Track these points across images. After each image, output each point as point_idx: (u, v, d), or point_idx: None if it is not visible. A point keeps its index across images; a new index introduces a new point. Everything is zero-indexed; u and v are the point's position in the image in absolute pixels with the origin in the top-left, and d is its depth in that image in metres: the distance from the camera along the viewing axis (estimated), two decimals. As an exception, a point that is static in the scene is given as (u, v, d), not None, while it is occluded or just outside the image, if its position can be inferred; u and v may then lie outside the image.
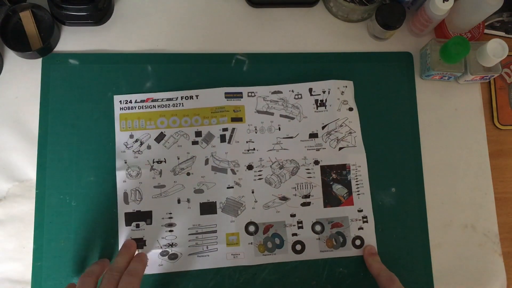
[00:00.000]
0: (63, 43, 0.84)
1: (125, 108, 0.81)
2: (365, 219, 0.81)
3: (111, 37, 0.85)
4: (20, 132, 0.80)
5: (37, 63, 0.82)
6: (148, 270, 0.77)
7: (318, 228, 0.80)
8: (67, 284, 0.69)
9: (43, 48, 0.81)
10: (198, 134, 0.81)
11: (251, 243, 0.78)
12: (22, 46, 0.81)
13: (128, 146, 0.80)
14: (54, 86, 0.82)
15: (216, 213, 0.79)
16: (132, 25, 0.85)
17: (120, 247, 0.76)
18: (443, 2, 0.77)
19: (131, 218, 0.78)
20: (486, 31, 0.88)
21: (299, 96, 0.83)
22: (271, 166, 0.81)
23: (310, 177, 0.81)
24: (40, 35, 0.82)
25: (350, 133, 0.83)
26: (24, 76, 0.82)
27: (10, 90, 0.82)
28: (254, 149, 0.81)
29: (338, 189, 0.81)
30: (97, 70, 0.83)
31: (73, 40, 0.84)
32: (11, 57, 0.83)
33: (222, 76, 0.84)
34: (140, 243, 0.77)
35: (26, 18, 0.82)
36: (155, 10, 0.86)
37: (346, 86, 0.84)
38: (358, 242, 0.80)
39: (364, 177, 0.82)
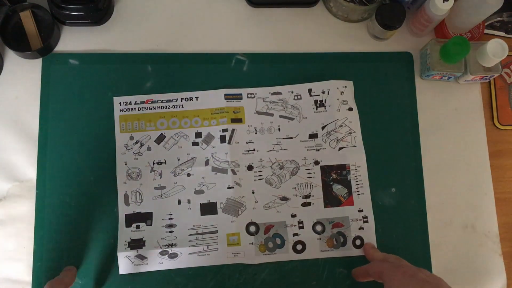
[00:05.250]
0: (63, 43, 0.84)
1: (124, 110, 0.81)
2: (365, 219, 0.81)
3: (111, 37, 0.85)
4: (20, 132, 0.80)
5: (37, 63, 0.82)
6: (148, 268, 0.77)
7: (319, 228, 0.80)
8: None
9: (43, 48, 0.81)
10: (198, 135, 0.81)
11: (252, 243, 0.78)
12: (22, 46, 0.81)
13: (128, 148, 0.80)
14: (54, 86, 0.82)
15: (216, 213, 0.79)
16: (132, 25, 0.85)
17: (118, 247, 0.77)
18: (443, 2, 0.77)
19: (131, 219, 0.78)
20: (486, 31, 0.88)
21: (299, 97, 0.83)
22: (271, 166, 0.81)
23: (310, 177, 0.81)
24: (40, 35, 0.82)
25: (350, 133, 0.83)
26: (24, 76, 0.82)
27: (10, 90, 0.82)
28: (254, 149, 0.81)
29: (338, 189, 0.81)
30: (97, 70, 0.83)
31: (73, 40, 0.84)
32: (11, 57, 0.83)
33: (222, 76, 0.84)
34: (140, 243, 0.77)
35: (26, 18, 0.82)
36: (155, 10, 0.86)
37: (345, 86, 0.84)
38: (358, 242, 0.80)
39: (364, 177, 0.82)
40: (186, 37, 0.86)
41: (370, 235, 0.80)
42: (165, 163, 0.80)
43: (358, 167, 0.82)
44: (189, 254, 0.77)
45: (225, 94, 0.82)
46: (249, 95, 0.83)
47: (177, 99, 0.82)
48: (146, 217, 0.78)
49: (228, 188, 0.80)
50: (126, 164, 0.79)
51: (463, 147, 0.85)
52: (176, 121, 0.81)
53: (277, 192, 0.81)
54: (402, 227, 0.81)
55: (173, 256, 0.77)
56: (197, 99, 0.82)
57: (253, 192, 0.80)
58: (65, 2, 0.80)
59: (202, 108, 0.82)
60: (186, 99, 0.82)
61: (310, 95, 0.83)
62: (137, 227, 0.78)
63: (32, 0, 0.83)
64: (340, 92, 0.84)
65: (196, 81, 0.83)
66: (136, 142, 0.80)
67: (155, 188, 0.79)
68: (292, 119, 0.83)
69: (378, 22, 0.82)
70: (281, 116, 0.82)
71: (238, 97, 0.82)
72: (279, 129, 0.82)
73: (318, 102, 0.83)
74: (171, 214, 0.79)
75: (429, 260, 0.81)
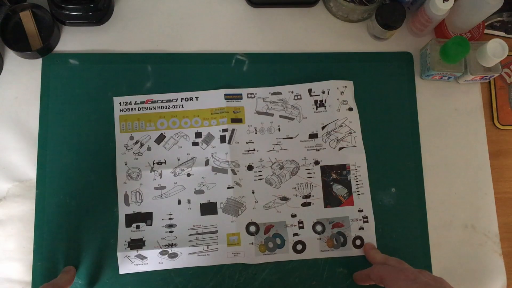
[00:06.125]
0: (63, 43, 0.84)
1: (125, 110, 0.81)
2: (365, 219, 0.81)
3: (111, 37, 0.85)
4: (20, 132, 0.80)
5: (37, 63, 0.82)
6: (148, 268, 0.77)
7: (319, 228, 0.80)
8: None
9: (43, 48, 0.81)
10: (198, 135, 0.81)
11: (252, 243, 0.78)
12: (22, 46, 0.81)
13: (128, 148, 0.80)
14: (54, 86, 0.82)
15: (216, 213, 0.79)
16: (132, 25, 0.85)
17: (118, 247, 0.77)
18: (443, 2, 0.77)
19: (131, 219, 0.78)
20: (486, 31, 0.88)
21: (299, 97, 0.83)
22: (271, 166, 0.81)
23: (310, 177, 0.81)
24: (40, 35, 0.82)
25: (350, 133, 0.83)
26: (24, 76, 0.82)
27: (10, 90, 0.82)
28: (254, 149, 0.81)
29: (338, 189, 0.81)
30: (97, 70, 0.83)
31: (73, 40, 0.84)
32: (11, 57, 0.82)
33: (222, 76, 0.84)
34: (139, 243, 0.77)
35: (26, 18, 0.82)
36: (155, 10, 0.86)
37: (345, 86, 0.84)
38: (358, 242, 0.80)
39: (364, 177, 0.82)
40: (186, 37, 0.86)
41: (370, 235, 0.80)
42: (165, 163, 0.80)
43: (358, 167, 0.82)
44: (189, 254, 0.77)
45: (225, 94, 0.82)
46: (249, 95, 0.83)
47: (177, 99, 0.82)
48: (146, 217, 0.78)
49: (228, 188, 0.80)
50: (126, 164, 0.79)
51: (463, 147, 0.85)
52: (176, 121, 0.81)
53: (277, 192, 0.81)
54: (402, 227, 0.81)
55: (173, 256, 0.77)
56: (197, 99, 0.82)
57: (253, 192, 0.80)
58: (65, 2, 0.80)
59: (202, 108, 0.82)
60: (186, 99, 0.82)
61: (310, 95, 0.83)
62: (137, 227, 0.78)
63: (32, 0, 0.83)
64: (340, 92, 0.84)
65: (196, 81, 0.83)
66: (136, 142, 0.80)
67: (155, 188, 0.79)
68: (292, 119, 0.83)
69: (378, 22, 0.82)
70: (281, 116, 0.82)
71: (238, 97, 0.82)
72: (279, 129, 0.82)
73: (318, 102, 0.83)
74: (171, 214, 0.79)
75: (429, 260, 0.81)
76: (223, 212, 0.79)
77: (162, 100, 0.82)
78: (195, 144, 0.81)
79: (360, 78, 0.85)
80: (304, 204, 0.81)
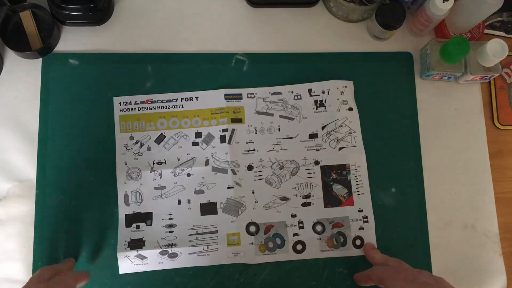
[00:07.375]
0: (63, 43, 0.84)
1: (124, 110, 0.81)
2: (365, 219, 0.81)
3: (111, 37, 0.85)
4: (20, 132, 0.80)
5: (37, 63, 0.82)
6: (148, 268, 0.77)
7: (319, 228, 0.80)
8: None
9: (43, 48, 0.81)
10: (198, 135, 0.81)
11: (252, 243, 0.78)
12: (22, 46, 0.81)
13: (128, 148, 0.80)
14: (54, 86, 0.82)
15: (216, 213, 0.79)
16: (132, 25, 0.85)
17: (118, 247, 0.77)
18: (443, 2, 0.77)
19: (131, 219, 0.78)
20: (486, 31, 0.88)
21: (299, 97, 0.83)
22: (271, 166, 0.81)
23: (310, 177, 0.81)
24: (40, 35, 0.82)
25: (350, 133, 0.83)
26: (24, 76, 0.82)
27: (10, 90, 0.82)
28: (254, 149, 0.81)
29: (338, 189, 0.81)
30: (97, 70, 0.83)
31: (73, 40, 0.84)
32: (11, 57, 0.82)
33: (222, 76, 0.84)
34: (139, 243, 0.77)
35: (26, 18, 0.82)
36: (155, 10, 0.86)
37: (345, 86, 0.84)
38: (358, 242, 0.80)
39: (364, 177, 0.82)
40: (186, 37, 0.86)
41: (370, 235, 0.80)
42: (165, 163, 0.80)
43: (358, 167, 0.82)
44: (189, 254, 0.77)
45: (225, 94, 0.82)
46: (249, 95, 0.83)
47: (177, 99, 0.82)
48: (146, 217, 0.78)
49: (228, 188, 0.80)
50: (126, 164, 0.79)
51: (463, 147, 0.85)
52: (176, 121, 0.81)
53: (277, 192, 0.81)
54: (402, 227, 0.81)
55: (173, 256, 0.77)
56: (197, 99, 0.82)
57: (253, 192, 0.80)
58: (65, 2, 0.80)
59: (202, 108, 0.82)
60: (186, 99, 0.82)
61: (310, 95, 0.83)
62: (137, 227, 0.78)
63: (32, 0, 0.83)
64: (340, 92, 0.84)
65: (196, 81, 0.83)
66: (136, 142, 0.80)
67: (155, 188, 0.79)
68: (292, 119, 0.83)
69: (378, 22, 0.82)
70: (281, 116, 0.82)
71: (238, 97, 0.82)
72: (279, 129, 0.82)
73: (318, 102, 0.83)
74: (171, 214, 0.79)
75: (429, 260, 0.81)
76: (223, 212, 0.79)
77: (162, 100, 0.82)
78: (195, 144, 0.81)
79: (360, 78, 0.85)
80: (304, 204, 0.81)
